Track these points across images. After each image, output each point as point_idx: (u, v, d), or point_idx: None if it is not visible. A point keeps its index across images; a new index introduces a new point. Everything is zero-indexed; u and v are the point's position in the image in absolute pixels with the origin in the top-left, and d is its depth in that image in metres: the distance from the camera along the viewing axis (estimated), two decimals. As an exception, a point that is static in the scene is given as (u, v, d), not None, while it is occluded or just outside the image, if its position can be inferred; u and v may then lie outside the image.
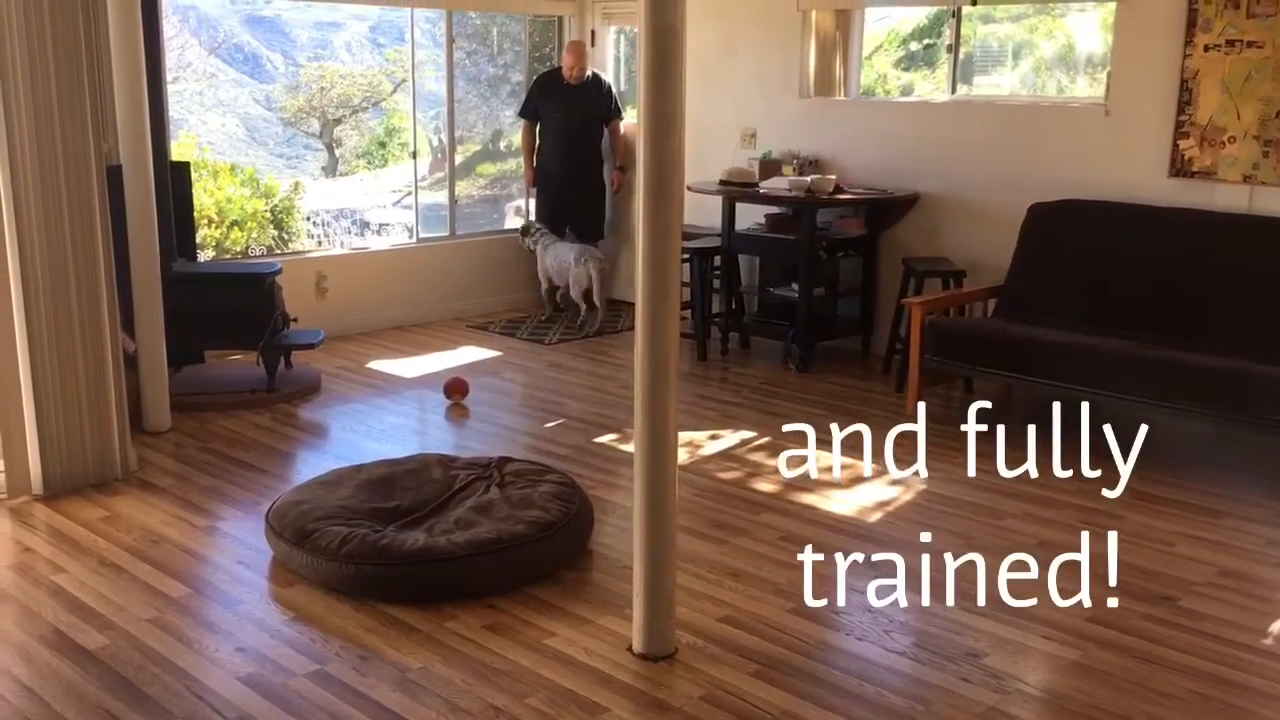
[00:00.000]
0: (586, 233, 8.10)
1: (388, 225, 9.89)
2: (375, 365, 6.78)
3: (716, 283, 7.18)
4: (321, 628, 3.55)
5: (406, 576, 3.71)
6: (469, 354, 7.07)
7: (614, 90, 8.16)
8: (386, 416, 5.84)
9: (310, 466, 4.98)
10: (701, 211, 7.28)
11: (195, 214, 6.64)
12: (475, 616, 3.60)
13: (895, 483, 4.87)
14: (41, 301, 4.46)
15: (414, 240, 8.10)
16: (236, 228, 8.30)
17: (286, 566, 3.94)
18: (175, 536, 4.24)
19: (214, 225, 8.12)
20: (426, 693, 3.16)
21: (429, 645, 3.43)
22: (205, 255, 7.58)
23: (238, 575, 3.94)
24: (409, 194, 8.65)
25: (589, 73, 8.00)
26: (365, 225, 10.25)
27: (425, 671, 3.28)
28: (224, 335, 6.10)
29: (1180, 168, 5.81)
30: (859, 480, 4.90)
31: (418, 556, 3.73)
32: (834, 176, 6.78)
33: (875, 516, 4.51)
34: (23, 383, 4.50)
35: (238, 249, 8.21)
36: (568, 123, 7.95)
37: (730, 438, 5.48)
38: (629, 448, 4.78)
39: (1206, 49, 5.65)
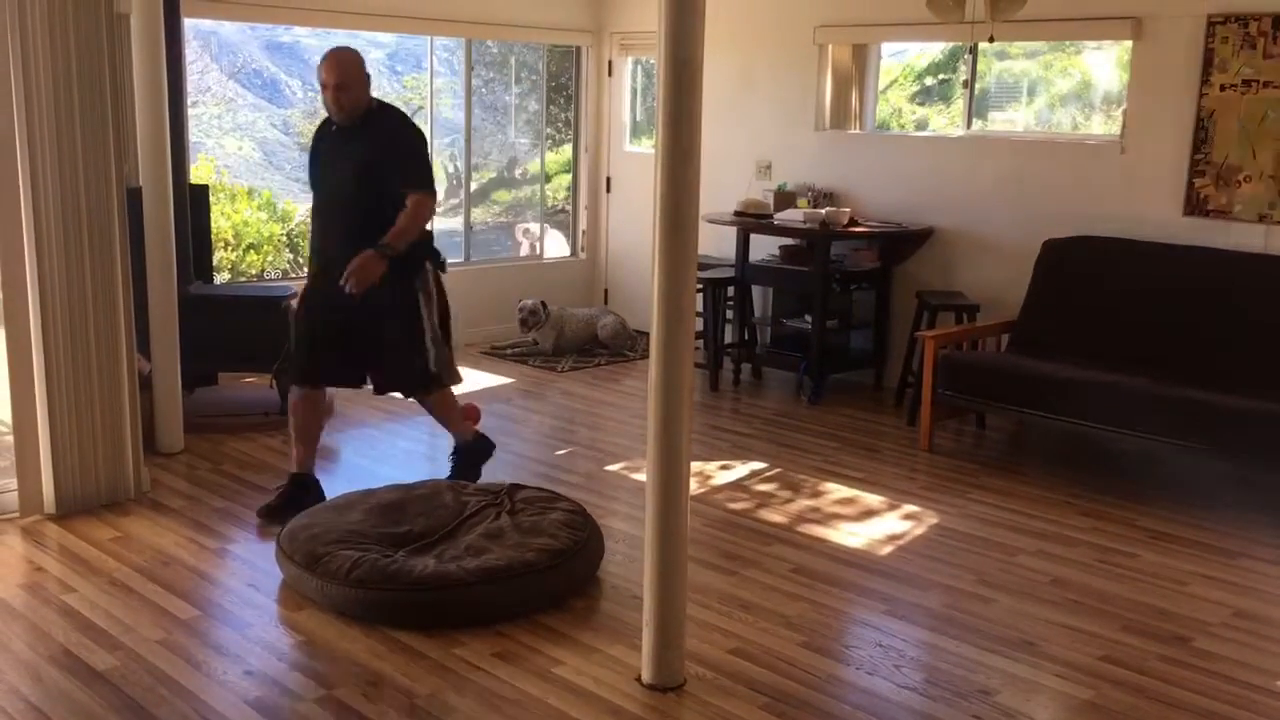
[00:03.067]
0: (396, 388, 4.85)
1: (403, 251, 9.93)
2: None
3: (730, 313, 7.19)
4: (330, 652, 3.54)
5: (416, 602, 3.70)
6: (481, 380, 7.08)
7: (415, 140, 4.63)
8: (398, 442, 5.84)
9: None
10: (716, 242, 7.30)
11: (212, 237, 6.67)
12: (484, 644, 3.59)
13: (907, 516, 4.85)
14: (59, 320, 4.49)
15: (428, 266, 8.11)
16: (253, 251, 8.35)
17: (296, 590, 3.94)
18: (186, 558, 4.24)
19: (230, 248, 8.17)
20: (434, 720, 3.15)
21: (437, 672, 3.42)
22: (221, 278, 7.62)
23: (247, 598, 3.94)
24: (424, 220, 8.68)
25: (367, 106, 4.60)
26: (380, 250, 10.29)
27: (433, 699, 3.26)
28: (238, 357, 6.11)
29: (1196, 206, 5.82)
30: (870, 513, 4.89)
31: (428, 582, 3.72)
32: (848, 209, 6.79)
33: (886, 550, 4.49)
34: (38, 401, 4.52)
35: (254, 272, 8.25)
36: (334, 193, 4.63)
37: (741, 469, 5.47)
38: (640, 476, 4.78)
39: (1223, 88, 5.66)
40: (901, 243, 6.85)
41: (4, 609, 3.76)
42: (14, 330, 4.47)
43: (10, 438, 4.62)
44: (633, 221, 8.42)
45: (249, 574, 4.13)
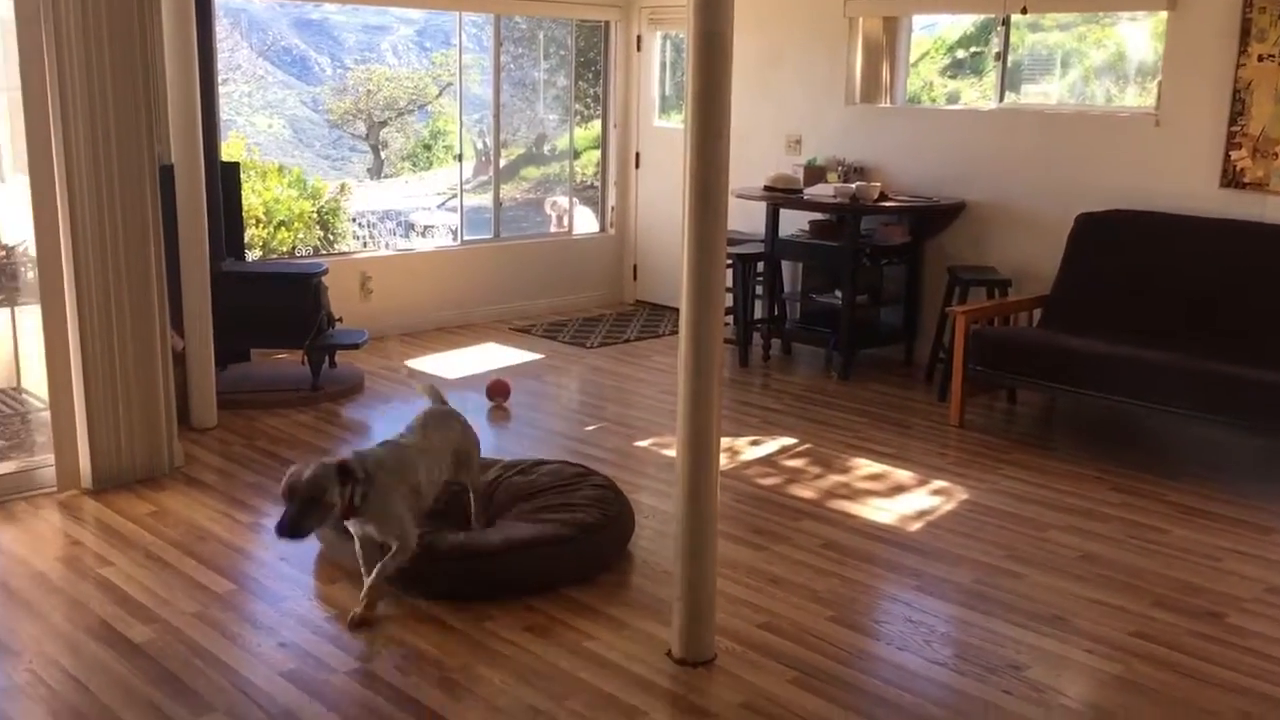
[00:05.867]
0: None
1: (432, 227, 9.97)
2: (418, 366, 6.82)
3: (759, 289, 7.17)
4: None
5: (445, 572, 3.73)
6: (511, 356, 7.10)
7: None
8: (429, 417, 5.86)
9: (353, 465, 5.01)
10: (745, 217, 7.27)
11: (244, 214, 6.71)
12: (515, 618, 3.62)
13: (937, 492, 4.84)
14: (94, 298, 4.53)
15: (458, 242, 8.14)
16: (283, 228, 8.40)
17: (330, 560, 3.97)
18: (220, 532, 4.29)
19: (261, 225, 8.22)
20: (466, 693, 3.18)
21: (469, 645, 3.45)
22: (253, 255, 7.67)
23: (281, 572, 3.98)
24: (453, 196, 8.71)
25: None
26: (410, 227, 10.34)
27: (466, 671, 3.29)
28: (270, 334, 6.16)
29: (1232, 179, 5.74)
30: (900, 489, 4.88)
31: (457, 553, 3.75)
32: (879, 184, 6.75)
33: (916, 525, 4.48)
34: (74, 378, 4.57)
35: (284, 249, 8.29)
36: None
37: (771, 444, 5.47)
38: (670, 452, 4.78)
39: (1260, 59, 5.57)
40: (932, 217, 6.81)
41: (43, 582, 3.82)
42: (50, 308, 4.52)
43: (47, 414, 4.67)
44: (662, 197, 8.40)
45: (282, 548, 4.16)
